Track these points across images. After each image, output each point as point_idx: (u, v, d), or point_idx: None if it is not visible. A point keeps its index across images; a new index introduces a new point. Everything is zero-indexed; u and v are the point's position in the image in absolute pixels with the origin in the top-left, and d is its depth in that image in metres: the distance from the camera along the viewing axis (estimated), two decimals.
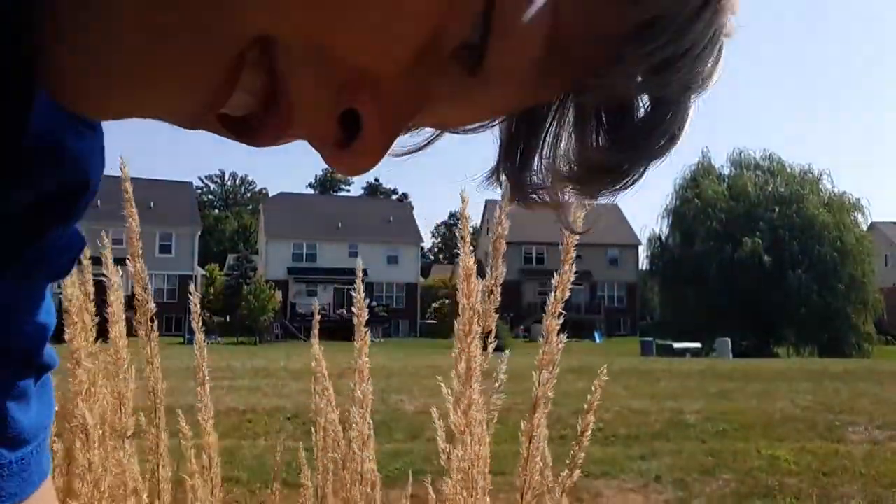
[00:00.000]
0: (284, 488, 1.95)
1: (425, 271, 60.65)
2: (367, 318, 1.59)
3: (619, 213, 51.23)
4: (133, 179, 1.59)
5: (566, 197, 0.40)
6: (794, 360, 28.74)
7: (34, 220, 0.41)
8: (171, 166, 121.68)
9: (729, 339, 31.25)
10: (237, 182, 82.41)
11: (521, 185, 0.41)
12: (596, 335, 45.42)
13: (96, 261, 1.61)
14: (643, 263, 52.19)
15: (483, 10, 0.32)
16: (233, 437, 7.14)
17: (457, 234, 1.36)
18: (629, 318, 53.39)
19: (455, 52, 0.33)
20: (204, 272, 46.77)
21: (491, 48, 0.33)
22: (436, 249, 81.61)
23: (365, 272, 1.58)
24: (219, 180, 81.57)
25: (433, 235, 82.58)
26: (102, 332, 1.64)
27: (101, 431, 1.53)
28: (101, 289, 1.62)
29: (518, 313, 44.88)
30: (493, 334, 1.35)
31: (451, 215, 75.44)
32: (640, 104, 0.37)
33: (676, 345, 31.28)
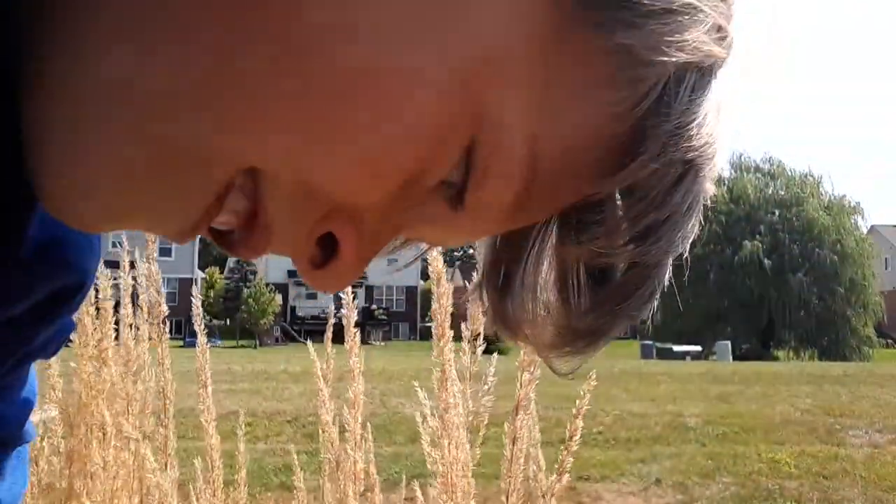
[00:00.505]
0: (283, 492, 1.94)
1: (425, 274, 60.45)
2: (359, 319, 1.59)
3: None
4: None
5: (545, 344, 0.39)
6: (794, 364, 28.70)
7: (31, 324, 0.42)
8: None
9: (729, 342, 31.21)
10: None
11: (503, 314, 0.40)
12: None
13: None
14: None
15: (466, 148, 0.32)
16: (232, 440, 7.10)
17: None
18: None
19: (437, 186, 0.34)
20: (204, 275, 46.73)
21: (471, 185, 0.34)
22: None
23: (365, 275, 1.58)
24: None
25: None
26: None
27: (113, 431, 1.53)
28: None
29: None
30: (481, 336, 1.35)
31: None
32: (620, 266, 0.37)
33: (676, 348, 31.21)
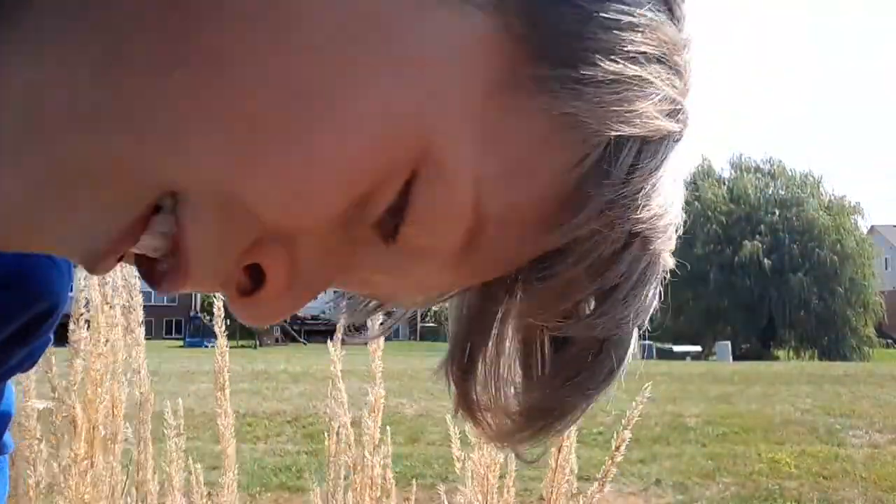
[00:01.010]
0: (283, 492, 1.94)
1: None
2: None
3: None
4: None
5: (505, 431, 0.38)
6: (794, 364, 28.70)
7: (7, 349, 0.42)
8: None
9: (729, 343, 31.23)
10: None
11: (466, 396, 0.39)
12: None
13: None
14: None
15: (406, 182, 0.31)
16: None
17: None
18: None
19: (377, 223, 0.33)
20: None
21: (407, 218, 0.32)
22: None
23: None
24: None
25: None
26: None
27: (93, 428, 1.53)
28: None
29: None
30: None
31: None
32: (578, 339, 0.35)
33: (676, 348, 31.21)
